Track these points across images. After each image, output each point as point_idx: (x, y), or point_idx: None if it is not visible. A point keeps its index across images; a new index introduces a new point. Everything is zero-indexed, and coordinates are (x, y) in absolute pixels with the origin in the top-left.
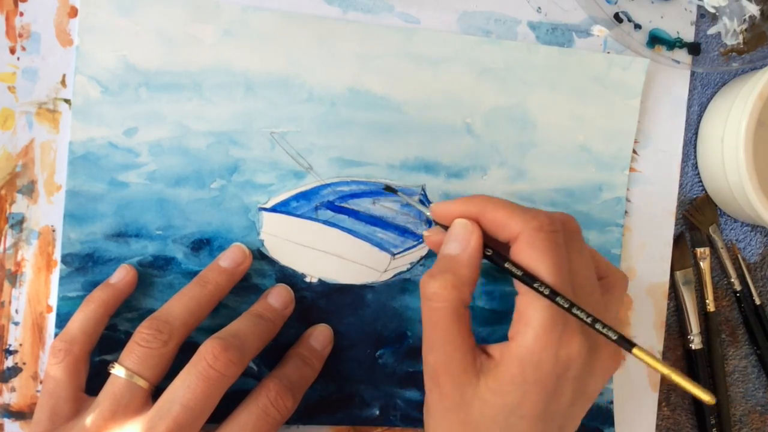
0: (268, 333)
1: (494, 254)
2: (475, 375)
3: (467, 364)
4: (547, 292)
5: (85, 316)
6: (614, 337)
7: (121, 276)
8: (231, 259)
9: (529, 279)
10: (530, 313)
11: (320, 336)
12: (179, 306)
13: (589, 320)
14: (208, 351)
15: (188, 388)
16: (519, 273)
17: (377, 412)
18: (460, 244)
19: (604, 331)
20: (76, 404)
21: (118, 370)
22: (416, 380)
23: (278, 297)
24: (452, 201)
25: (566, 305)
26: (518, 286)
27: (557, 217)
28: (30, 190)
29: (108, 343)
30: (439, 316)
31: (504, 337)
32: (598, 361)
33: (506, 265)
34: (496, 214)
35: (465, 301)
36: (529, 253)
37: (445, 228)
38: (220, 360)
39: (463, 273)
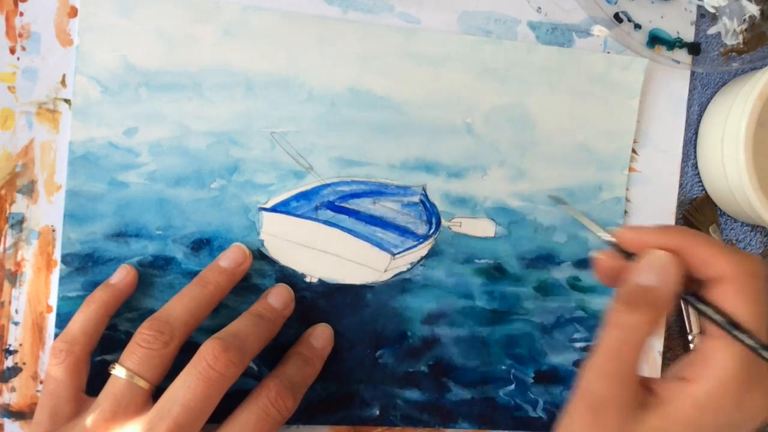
0: (269, 333)
1: (690, 293)
2: (639, 409)
3: (633, 397)
4: (752, 343)
5: (86, 317)
6: None
7: (122, 276)
8: (231, 259)
9: (733, 327)
10: (719, 357)
11: (320, 335)
12: (180, 307)
13: None
14: (208, 351)
15: (188, 388)
16: (720, 319)
17: (377, 412)
18: (660, 276)
19: None
20: (76, 405)
21: (118, 371)
22: (416, 380)
23: (278, 297)
24: (646, 229)
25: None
26: (709, 328)
27: (762, 260)
28: (30, 190)
29: (108, 343)
30: (627, 349)
31: (507, 338)
32: None
33: (704, 308)
34: (700, 251)
35: (653, 335)
36: (738, 298)
37: (626, 254)
38: (220, 360)
39: (663, 308)
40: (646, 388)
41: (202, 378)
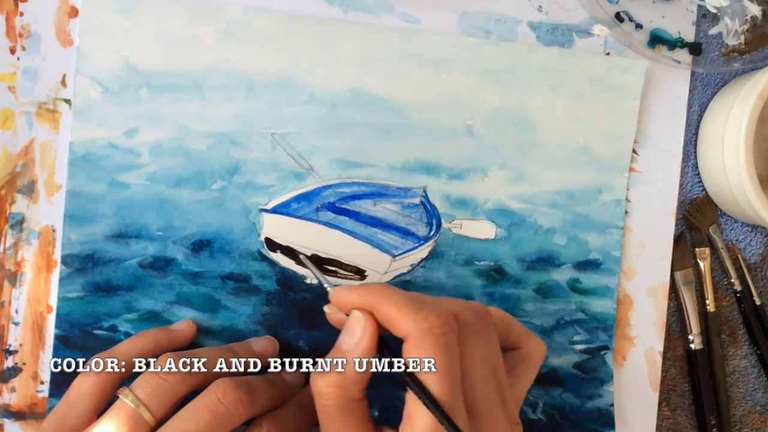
0: (279, 395)
1: (385, 355)
2: None
3: None
4: (440, 417)
5: (134, 346)
6: None
7: (183, 327)
8: (263, 347)
9: (419, 390)
10: (417, 415)
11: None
12: (208, 352)
13: None
14: (219, 386)
15: (193, 418)
16: (416, 389)
17: (376, 413)
18: (352, 339)
19: None
20: (84, 423)
21: (126, 397)
22: None
23: (292, 375)
24: (352, 288)
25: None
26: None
27: (451, 311)
28: (30, 190)
29: (108, 344)
30: (329, 413)
31: None
32: None
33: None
34: (388, 310)
35: (353, 397)
36: (420, 356)
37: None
38: (229, 396)
39: (351, 372)
40: None
41: (209, 410)
